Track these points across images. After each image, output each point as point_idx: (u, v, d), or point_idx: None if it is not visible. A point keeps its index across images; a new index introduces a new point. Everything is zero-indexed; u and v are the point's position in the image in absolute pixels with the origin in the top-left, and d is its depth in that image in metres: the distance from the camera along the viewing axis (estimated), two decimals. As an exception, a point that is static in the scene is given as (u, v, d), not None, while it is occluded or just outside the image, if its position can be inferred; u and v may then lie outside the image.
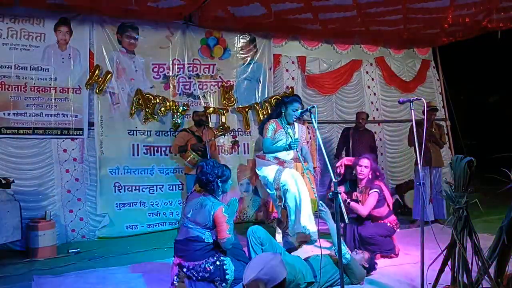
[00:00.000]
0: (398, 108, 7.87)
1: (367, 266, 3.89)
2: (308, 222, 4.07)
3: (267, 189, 4.52)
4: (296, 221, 4.15)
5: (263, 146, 4.45)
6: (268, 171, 4.37)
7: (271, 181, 4.32)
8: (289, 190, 4.17)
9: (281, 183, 4.23)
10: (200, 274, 3.35)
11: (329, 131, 7.45)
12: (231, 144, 6.56)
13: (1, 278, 4.16)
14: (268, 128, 4.39)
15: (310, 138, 5.79)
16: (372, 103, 7.83)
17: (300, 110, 4.36)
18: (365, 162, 4.61)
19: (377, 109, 7.86)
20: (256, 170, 4.62)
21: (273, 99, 6.76)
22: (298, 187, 4.15)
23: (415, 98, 3.60)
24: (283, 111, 4.42)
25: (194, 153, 5.51)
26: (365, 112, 6.79)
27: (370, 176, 4.61)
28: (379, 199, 4.51)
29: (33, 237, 4.87)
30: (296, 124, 4.55)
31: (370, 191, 4.50)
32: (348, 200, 4.48)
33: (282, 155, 4.37)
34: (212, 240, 3.42)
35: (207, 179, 3.49)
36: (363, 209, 4.45)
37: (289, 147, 4.25)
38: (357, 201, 4.58)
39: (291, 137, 4.35)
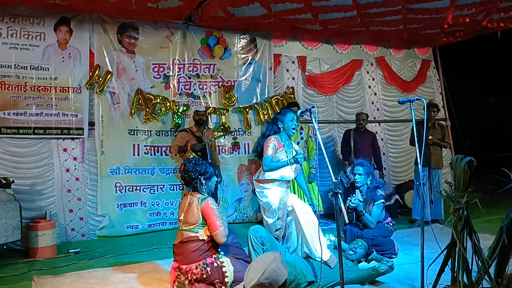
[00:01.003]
0: (399, 108, 7.88)
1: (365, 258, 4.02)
2: (318, 249, 3.87)
3: (266, 218, 4.20)
4: (300, 246, 4.11)
5: (264, 164, 4.09)
6: (271, 196, 4.11)
7: (275, 208, 4.09)
8: (296, 215, 4.05)
9: (288, 207, 4.09)
10: (199, 276, 3.34)
11: (330, 131, 7.46)
12: (231, 145, 6.55)
13: (1, 278, 4.16)
14: (269, 146, 4.10)
15: (302, 139, 5.79)
16: (372, 103, 7.83)
17: (295, 120, 4.20)
18: (359, 170, 4.65)
19: (378, 109, 7.86)
20: (257, 194, 4.29)
21: (274, 99, 6.77)
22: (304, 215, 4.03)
23: (415, 98, 3.60)
24: (280, 127, 4.16)
25: (193, 153, 5.51)
26: (364, 113, 6.78)
27: (368, 183, 4.63)
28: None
29: (33, 237, 4.87)
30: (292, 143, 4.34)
31: (376, 203, 4.58)
32: (364, 212, 4.51)
33: (287, 174, 4.14)
34: (206, 237, 3.40)
35: (189, 177, 3.50)
36: (373, 221, 4.54)
37: (295, 161, 4.02)
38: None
39: (295, 151, 4.17)
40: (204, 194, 3.53)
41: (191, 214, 3.41)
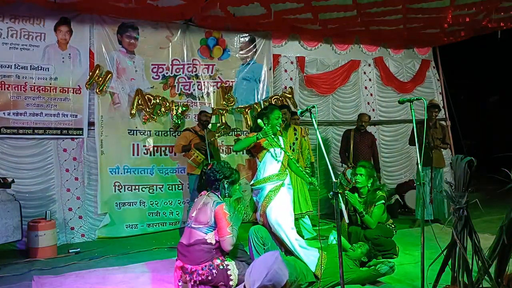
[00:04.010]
0: (394, 108, 7.90)
1: (367, 259, 4.00)
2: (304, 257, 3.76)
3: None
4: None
5: (234, 146, 4.18)
6: (261, 193, 3.99)
7: (259, 205, 4.00)
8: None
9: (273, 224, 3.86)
10: (204, 277, 3.33)
11: (325, 131, 7.45)
12: (234, 142, 6.55)
13: (1, 278, 4.16)
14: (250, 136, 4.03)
15: (297, 139, 5.79)
16: (368, 103, 7.84)
17: (281, 119, 4.08)
18: (361, 170, 4.66)
19: (373, 110, 7.86)
20: (253, 197, 4.24)
21: (273, 99, 6.77)
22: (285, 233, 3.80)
23: (415, 98, 3.60)
24: (265, 123, 4.01)
25: (197, 152, 5.49)
26: (367, 115, 6.73)
27: (369, 186, 4.64)
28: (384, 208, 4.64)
29: (33, 237, 4.87)
30: (280, 137, 4.18)
31: (377, 203, 4.57)
32: (364, 213, 4.51)
33: (270, 170, 3.96)
34: (215, 241, 3.40)
35: (215, 177, 3.52)
36: (374, 222, 4.54)
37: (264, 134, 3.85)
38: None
39: (279, 146, 4.00)
40: (221, 198, 3.55)
41: (204, 214, 3.42)
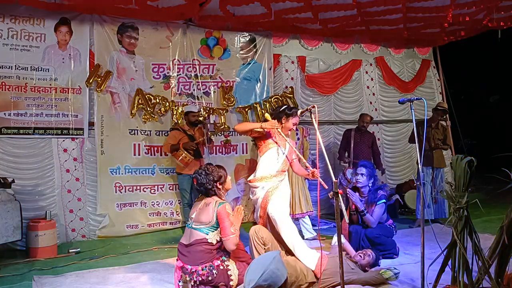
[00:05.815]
0: (397, 108, 7.89)
1: (369, 268, 3.94)
2: (302, 258, 3.73)
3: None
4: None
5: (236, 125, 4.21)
6: (257, 194, 3.96)
7: (258, 206, 3.99)
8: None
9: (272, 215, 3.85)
10: (204, 277, 3.33)
11: (326, 131, 7.44)
12: (223, 143, 6.52)
13: (1, 278, 4.16)
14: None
15: (299, 139, 5.79)
16: (371, 103, 7.83)
17: (295, 126, 4.12)
18: (362, 170, 4.65)
19: (375, 109, 7.86)
20: (250, 196, 4.20)
21: (274, 99, 6.77)
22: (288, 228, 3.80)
23: (415, 98, 3.60)
24: (283, 122, 4.04)
25: (186, 151, 5.48)
26: (369, 115, 6.72)
27: (370, 185, 4.64)
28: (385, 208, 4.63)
29: (33, 237, 4.87)
30: (289, 140, 4.14)
31: (378, 202, 4.56)
32: (365, 212, 4.50)
33: (269, 170, 3.95)
34: (215, 242, 3.41)
35: (206, 188, 3.51)
36: (375, 222, 4.53)
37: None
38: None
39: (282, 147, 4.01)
40: (223, 198, 3.54)
41: (206, 214, 3.42)
